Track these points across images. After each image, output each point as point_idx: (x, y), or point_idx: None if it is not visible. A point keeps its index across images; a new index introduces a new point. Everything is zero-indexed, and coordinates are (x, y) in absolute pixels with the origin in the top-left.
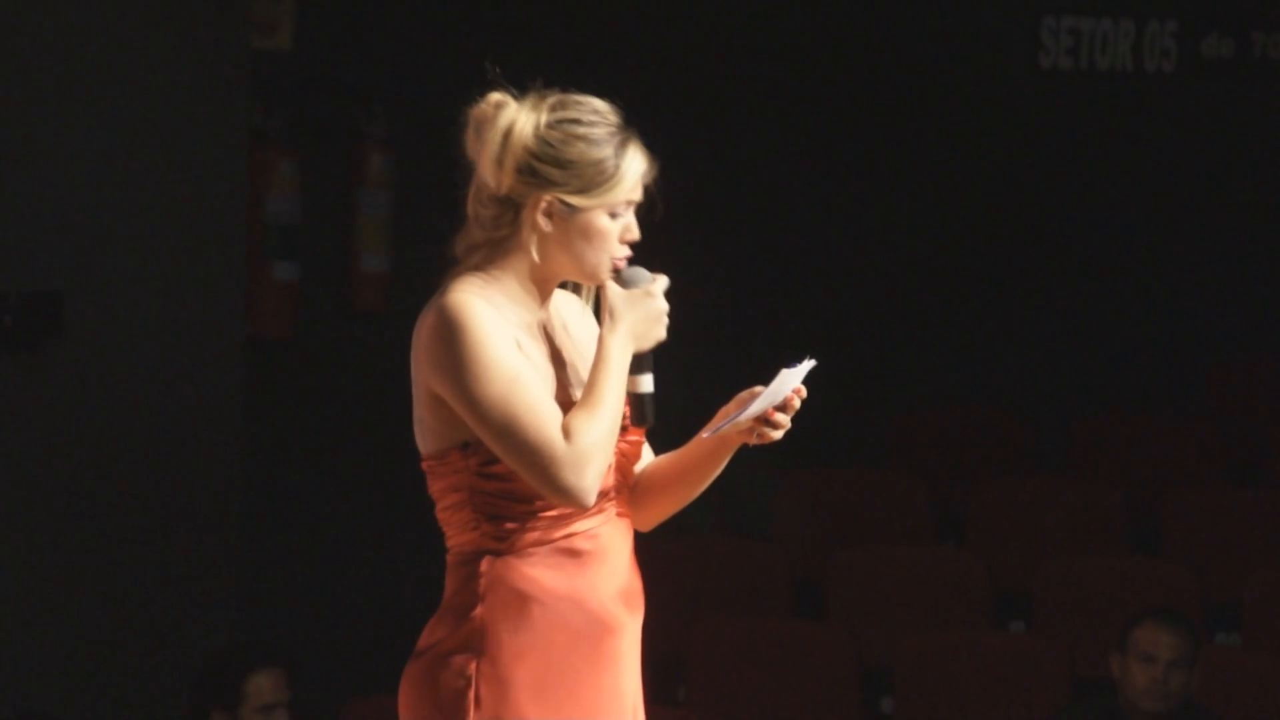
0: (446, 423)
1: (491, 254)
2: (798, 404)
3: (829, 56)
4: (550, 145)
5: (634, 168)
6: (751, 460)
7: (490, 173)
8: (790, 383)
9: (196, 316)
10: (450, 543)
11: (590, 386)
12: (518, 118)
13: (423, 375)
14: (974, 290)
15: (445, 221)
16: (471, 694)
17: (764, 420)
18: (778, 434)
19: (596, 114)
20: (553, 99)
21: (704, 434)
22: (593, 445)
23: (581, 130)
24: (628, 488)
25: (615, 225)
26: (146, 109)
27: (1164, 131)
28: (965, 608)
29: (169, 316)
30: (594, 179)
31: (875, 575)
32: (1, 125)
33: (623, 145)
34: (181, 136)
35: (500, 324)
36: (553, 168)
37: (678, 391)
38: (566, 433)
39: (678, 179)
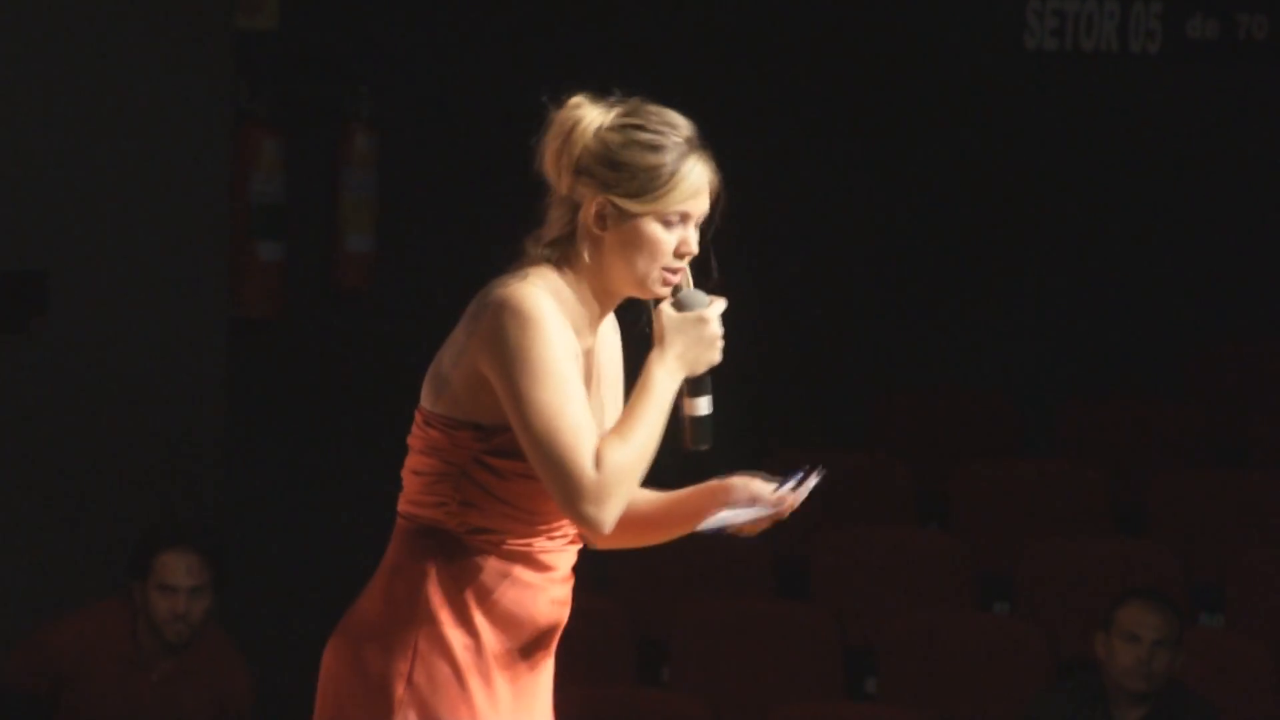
0: (475, 399)
1: (554, 254)
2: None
3: (816, 38)
4: (608, 146)
5: (691, 177)
6: (734, 441)
7: (552, 171)
8: (799, 495)
9: (181, 296)
10: (405, 505)
11: (628, 413)
12: (584, 116)
13: (473, 350)
14: (958, 272)
15: (430, 202)
16: (405, 676)
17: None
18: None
19: (665, 123)
20: (627, 105)
21: (700, 528)
22: (619, 475)
23: (643, 136)
24: None
25: (669, 236)
26: (131, 89)
27: (1149, 113)
28: (949, 588)
29: (154, 296)
30: (647, 183)
31: (859, 556)
32: None
33: (684, 155)
34: (166, 116)
35: (564, 329)
36: (607, 169)
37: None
38: (598, 459)
39: None
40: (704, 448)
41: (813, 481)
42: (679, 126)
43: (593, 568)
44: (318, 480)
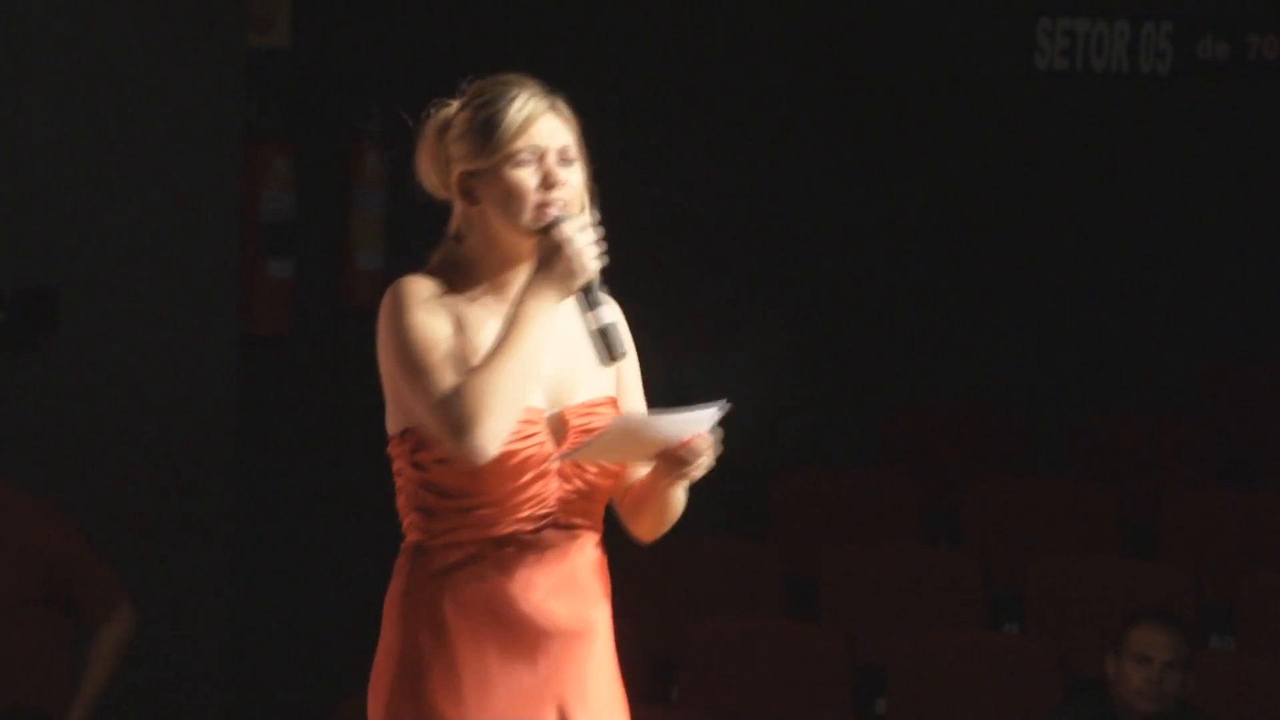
0: (396, 405)
1: (455, 245)
2: (705, 456)
3: (826, 56)
4: (453, 127)
5: (525, 111)
6: (745, 458)
7: (428, 177)
8: (695, 426)
9: (191, 313)
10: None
11: (494, 342)
12: (441, 114)
13: (380, 358)
14: (969, 289)
15: (441, 219)
16: (391, 689)
17: (671, 458)
18: (691, 473)
19: (499, 83)
20: (472, 86)
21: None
22: (479, 397)
23: (478, 100)
24: (591, 500)
25: (528, 173)
26: (142, 105)
27: (1159, 133)
28: (959, 608)
29: (164, 313)
30: (487, 136)
31: (869, 575)
32: None
33: (511, 99)
34: (177, 133)
35: (436, 297)
36: (455, 145)
37: (666, 385)
38: (460, 387)
39: (674, 173)
40: (620, 356)
41: (715, 412)
42: (510, 81)
43: None
44: (327, 496)
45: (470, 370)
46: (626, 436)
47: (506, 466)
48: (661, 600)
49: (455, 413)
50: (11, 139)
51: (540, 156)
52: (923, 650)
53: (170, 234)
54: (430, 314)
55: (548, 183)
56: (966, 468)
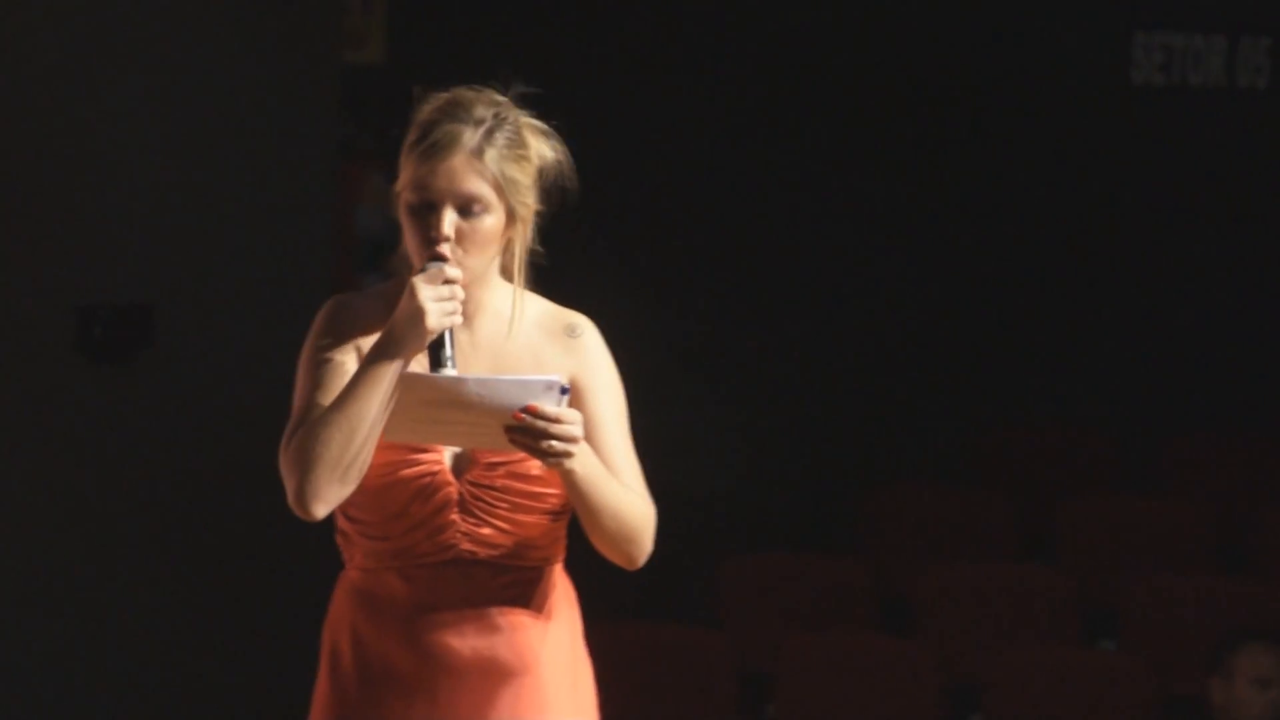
0: None
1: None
2: (555, 427)
3: (921, 72)
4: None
5: (415, 157)
6: (834, 474)
7: None
8: (526, 394)
9: (285, 330)
10: None
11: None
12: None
13: None
14: (1063, 305)
15: (544, 229)
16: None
17: (513, 429)
18: (545, 449)
19: (440, 108)
20: (428, 102)
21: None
22: (297, 455)
23: (417, 122)
24: (513, 534)
25: (419, 218)
26: (237, 122)
27: (1256, 148)
28: (1053, 625)
29: (258, 329)
30: (402, 165)
31: (963, 592)
32: (94, 139)
33: (424, 135)
34: (272, 149)
35: (345, 327)
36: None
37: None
38: (292, 439)
39: (752, 201)
40: (447, 369)
41: (551, 382)
42: (450, 105)
43: (697, 602)
44: None
45: (306, 424)
46: (461, 399)
47: (390, 493)
48: (757, 617)
49: (284, 463)
50: (108, 155)
51: (432, 203)
52: (1017, 667)
53: (265, 250)
54: (325, 350)
55: (429, 235)
56: (1061, 485)
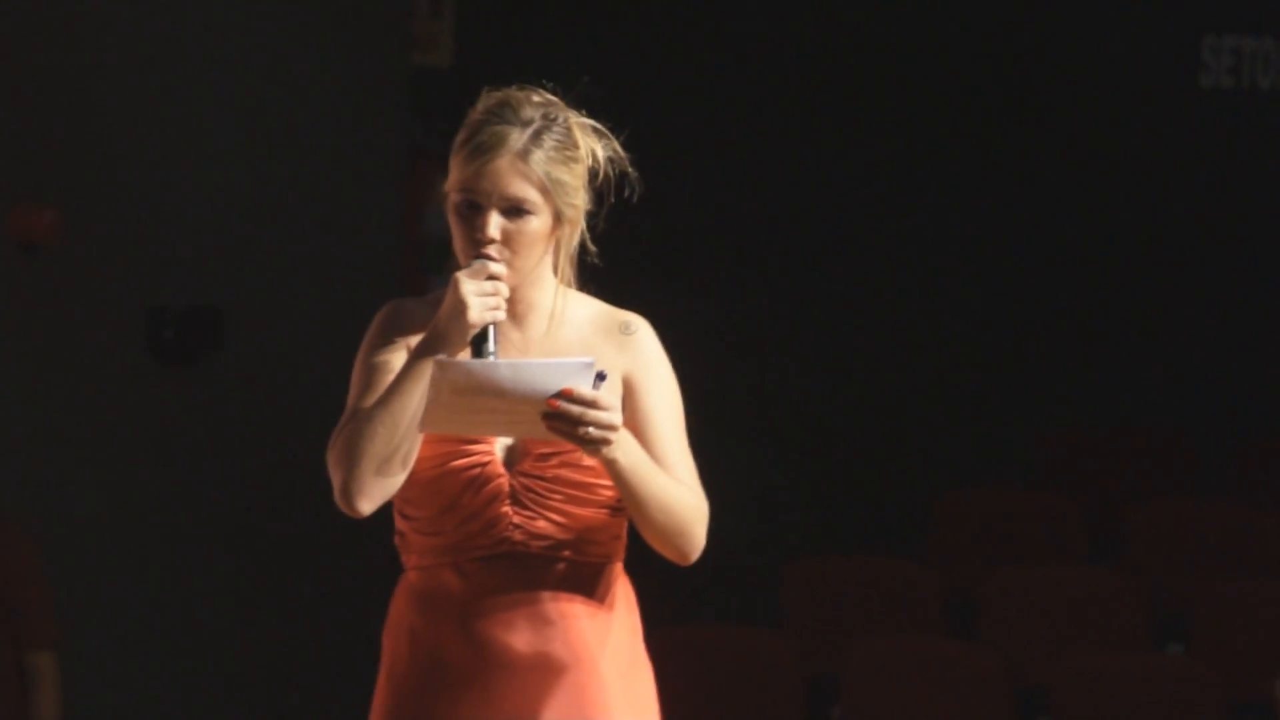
0: None
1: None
2: (591, 412)
3: (989, 77)
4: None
5: (462, 158)
6: (902, 477)
7: None
8: (563, 376)
9: (353, 331)
10: None
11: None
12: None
13: None
14: (1135, 306)
15: (602, 235)
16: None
17: (551, 416)
18: (582, 434)
19: (490, 109)
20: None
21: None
22: (341, 451)
23: (466, 123)
24: (569, 528)
25: (465, 220)
26: (307, 124)
27: None
28: (1121, 629)
29: (326, 330)
30: (451, 165)
31: (1030, 595)
32: (166, 143)
33: (471, 136)
34: (341, 152)
35: (402, 331)
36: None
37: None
38: (338, 434)
39: (821, 203)
40: (491, 354)
41: (585, 366)
42: (500, 105)
43: (763, 605)
44: None
45: (351, 421)
46: (494, 385)
47: (441, 485)
48: (823, 620)
49: (331, 460)
50: (179, 158)
51: (478, 205)
52: (1084, 672)
53: (333, 252)
54: (378, 352)
55: (475, 234)
56: (1130, 488)
